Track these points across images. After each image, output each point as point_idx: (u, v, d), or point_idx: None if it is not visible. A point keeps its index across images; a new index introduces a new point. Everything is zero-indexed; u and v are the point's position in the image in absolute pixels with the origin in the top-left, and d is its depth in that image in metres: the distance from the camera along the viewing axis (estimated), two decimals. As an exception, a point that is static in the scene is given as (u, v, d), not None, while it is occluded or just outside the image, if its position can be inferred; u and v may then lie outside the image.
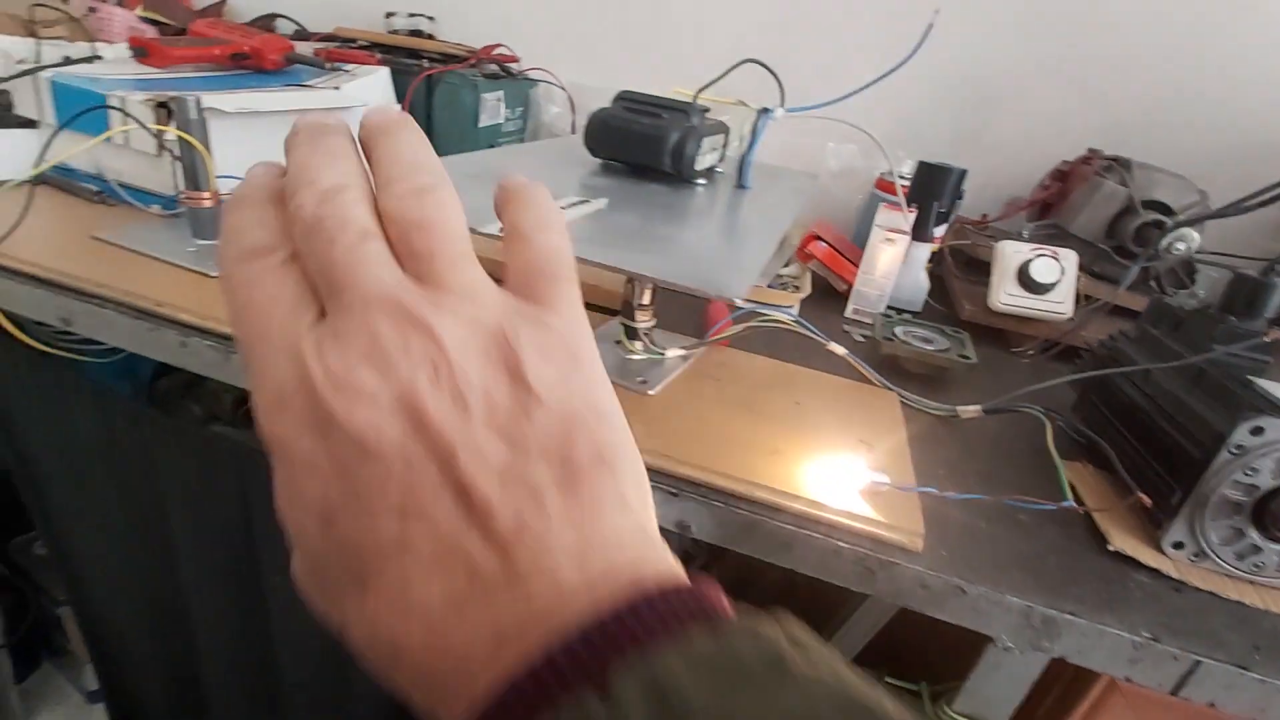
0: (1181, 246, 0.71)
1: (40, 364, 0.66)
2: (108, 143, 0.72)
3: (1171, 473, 0.44)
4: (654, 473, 0.45)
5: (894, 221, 0.75)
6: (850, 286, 0.85)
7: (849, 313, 0.80)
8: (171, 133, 0.61)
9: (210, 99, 0.69)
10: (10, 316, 0.60)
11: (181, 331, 0.53)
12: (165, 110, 0.69)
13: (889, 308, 0.79)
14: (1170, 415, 0.46)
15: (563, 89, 1.09)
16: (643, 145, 0.54)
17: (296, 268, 0.17)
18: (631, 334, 0.57)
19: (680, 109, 0.57)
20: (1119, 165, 0.80)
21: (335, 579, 0.16)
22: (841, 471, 0.46)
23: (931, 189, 0.78)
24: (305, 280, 0.16)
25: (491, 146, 1.05)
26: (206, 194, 0.64)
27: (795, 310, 0.78)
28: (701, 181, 0.62)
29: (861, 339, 0.74)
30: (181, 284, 0.58)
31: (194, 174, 0.63)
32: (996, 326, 0.77)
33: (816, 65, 1.07)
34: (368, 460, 0.15)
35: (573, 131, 1.10)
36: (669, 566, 0.17)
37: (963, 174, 0.78)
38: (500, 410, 0.16)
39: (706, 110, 0.54)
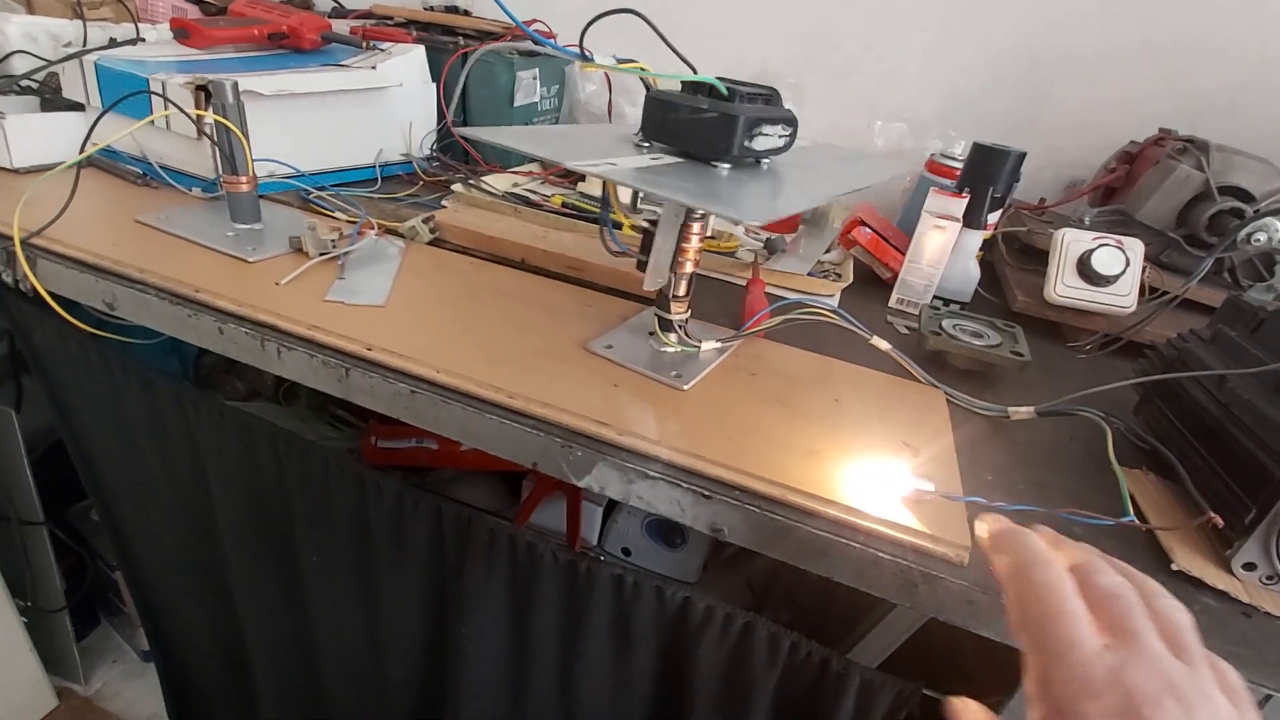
0: (1262, 237, 0.66)
1: (89, 343, 0.67)
2: (151, 126, 0.72)
3: (1246, 489, 0.41)
4: (685, 472, 0.43)
5: (945, 207, 0.71)
6: (895, 275, 0.81)
7: (893, 302, 0.76)
8: (209, 117, 0.61)
9: (248, 81, 0.69)
10: (59, 298, 0.61)
11: (218, 318, 0.53)
12: (204, 93, 0.69)
13: (936, 298, 0.75)
14: (1247, 426, 0.43)
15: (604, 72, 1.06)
16: (691, 131, 0.51)
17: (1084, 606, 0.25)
18: (666, 326, 0.55)
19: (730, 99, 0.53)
20: (1194, 147, 0.74)
21: None
22: (883, 476, 0.44)
23: (986, 173, 0.74)
24: (1097, 622, 0.24)
25: (529, 125, 1.03)
26: (244, 178, 0.64)
27: (836, 300, 0.75)
28: (725, 167, 0.58)
29: (906, 331, 0.71)
30: (221, 269, 0.59)
31: (232, 158, 0.63)
32: (1051, 319, 0.73)
33: (861, 37, 1.03)
34: None
35: (608, 111, 1.08)
36: None
37: (1021, 157, 0.74)
38: None
39: (765, 95, 0.51)
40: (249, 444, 0.64)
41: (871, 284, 0.81)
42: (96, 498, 0.83)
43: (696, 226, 0.51)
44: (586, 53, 0.51)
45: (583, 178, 1.01)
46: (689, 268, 0.53)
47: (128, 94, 0.68)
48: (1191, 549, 0.42)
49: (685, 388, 0.51)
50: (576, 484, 0.46)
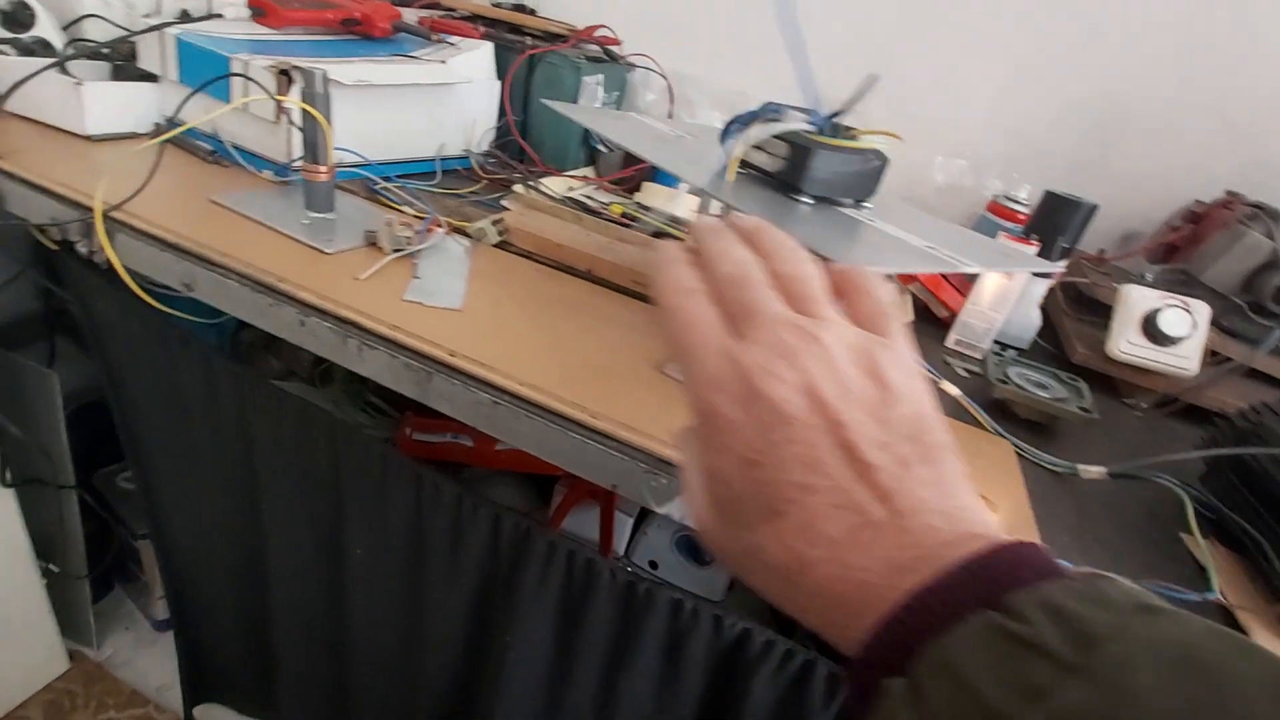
0: (1332, 312, 0.66)
1: (150, 318, 0.67)
2: (225, 103, 0.72)
3: (1332, 575, 0.41)
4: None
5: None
6: (951, 314, 0.82)
7: (950, 342, 0.76)
8: (295, 104, 0.61)
9: (328, 70, 0.68)
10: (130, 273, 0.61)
11: (301, 310, 0.53)
12: (286, 77, 0.69)
13: (995, 342, 0.75)
14: (1334, 511, 0.43)
15: (663, 77, 1.06)
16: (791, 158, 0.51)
17: (716, 303, 0.24)
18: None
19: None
20: (1265, 214, 0.74)
21: (750, 509, 0.22)
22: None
23: (1056, 221, 0.74)
24: (724, 312, 0.24)
25: (588, 131, 1.03)
26: (323, 168, 0.64)
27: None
28: (808, 201, 0.58)
29: (965, 374, 0.71)
30: (298, 259, 0.59)
31: (314, 146, 0.63)
32: (1110, 374, 0.73)
33: (929, 70, 1.03)
34: (780, 423, 0.21)
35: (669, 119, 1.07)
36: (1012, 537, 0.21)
37: (1093, 209, 0.74)
38: (870, 400, 0.22)
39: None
40: (305, 432, 0.64)
41: (925, 320, 0.81)
42: (136, 465, 0.83)
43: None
44: (837, 120, 0.51)
45: (638, 186, 1.01)
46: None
47: (217, 76, 0.68)
48: (1273, 632, 0.42)
49: (764, 420, 0.51)
50: (656, 510, 0.46)
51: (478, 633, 0.66)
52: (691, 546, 0.95)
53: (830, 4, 1.07)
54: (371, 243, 0.64)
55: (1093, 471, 0.54)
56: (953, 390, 0.59)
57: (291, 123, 0.69)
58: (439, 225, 0.70)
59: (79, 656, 1.08)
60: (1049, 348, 0.80)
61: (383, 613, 0.71)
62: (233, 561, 0.83)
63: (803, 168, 0.50)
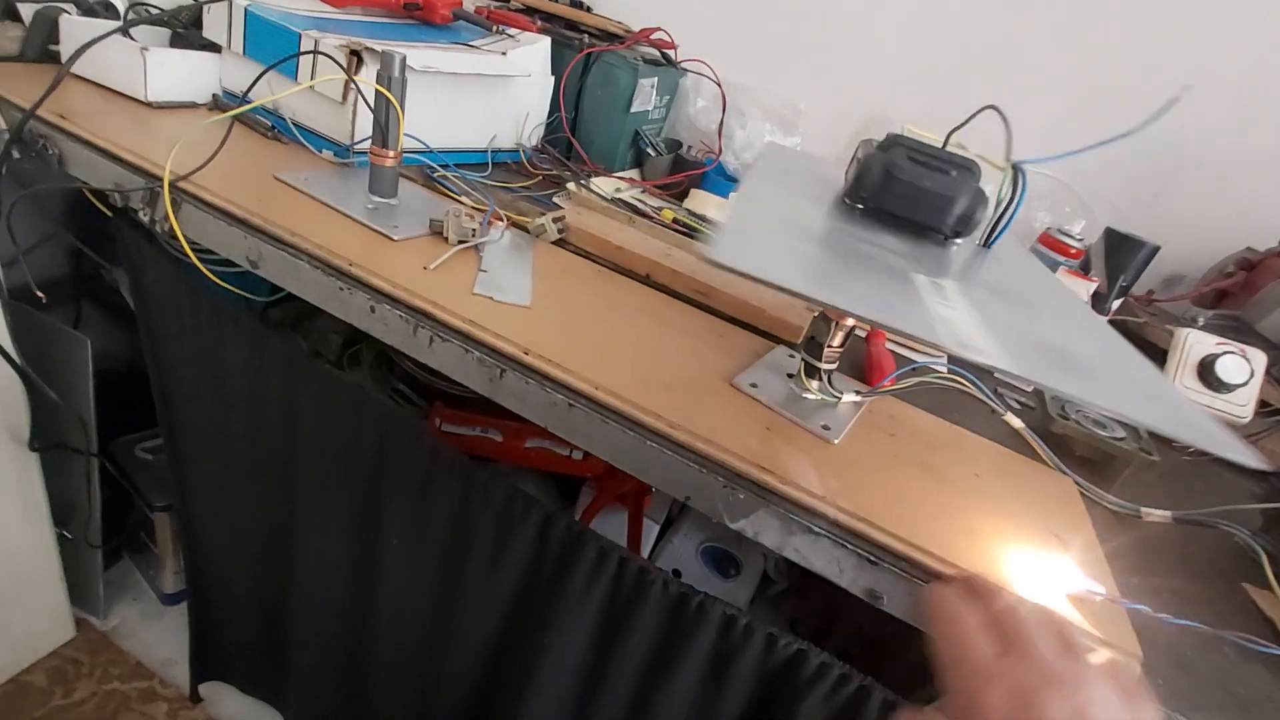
0: (1391, 370, 0.65)
1: (201, 290, 0.66)
2: (291, 81, 0.71)
3: None
4: (851, 534, 0.43)
5: (1073, 289, 0.71)
6: (1000, 344, 0.81)
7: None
8: (370, 86, 0.60)
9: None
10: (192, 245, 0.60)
11: (373, 296, 0.52)
12: (357, 58, 0.68)
13: (1045, 376, 0.75)
14: None
15: (718, 85, 1.06)
16: (929, 204, 0.50)
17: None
18: (811, 372, 0.55)
19: (966, 166, 0.53)
20: (1323, 266, 0.74)
21: None
22: (1047, 569, 0.43)
23: (1117, 260, 0.74)
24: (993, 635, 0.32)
25: (637, 133, 1.03)
26: (392, 153, 0.63)
27: (944, 361, 0.75)
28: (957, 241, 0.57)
29: (1017, 406, 0.71)
30: (367, 244, 0.58)
31: (385, 131, 0.62)
32: (1159, 416, 0.73)
33: (984, 95, 1.02)
34: None
35: (719, 129, 1.07)
36: None
37: (1154, 250, 0.74)
38: None
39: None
40: (356, 419, 0.63)
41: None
42: (168, 436, 0.82)
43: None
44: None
45: (686, 192, 1.00)
46: (851, 320, 0.52)
47: (290, 55, 0.67)
48: (1349, 691, 0.41)
49: (835, 441, 0.50)
50: (729, 525, 0.45)
51: (512, 633, 0.65)
52: (716, 557, 0.95)
53: (898, 32, 1.07)
54: (436, 232, 0.63)
55: (1156, 515, 0.54)
56: (1016, 423, 0.59)
57: (365, 103, 0.68)
58: (499, 219, 0.70)
59: (85, 625, 1.07)
60: (1095, 384, 0.80)
61: (412, 606, 0.71)
62: (257, 540, 0.82)
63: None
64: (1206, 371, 0.69)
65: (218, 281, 0.60)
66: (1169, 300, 0.87)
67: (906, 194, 0.50)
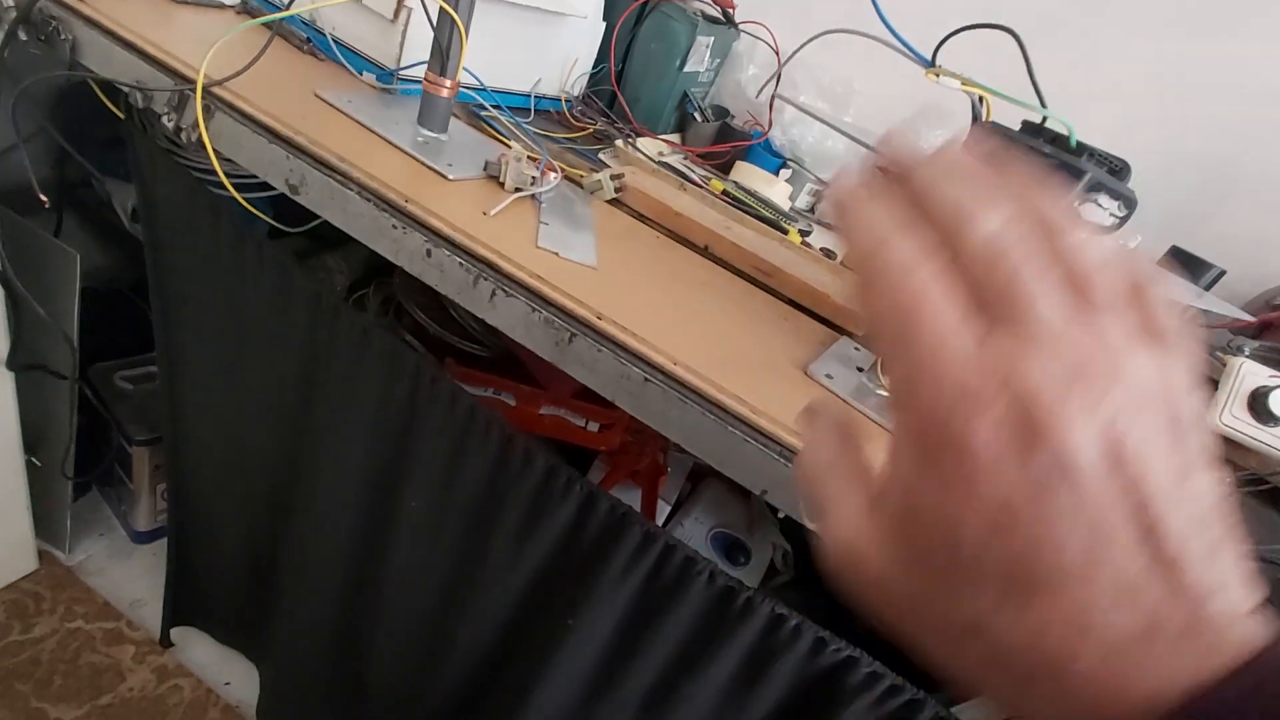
0: None
1: (223, 213, 0.60)
2: (338, -9, 0.65)
3: None
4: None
5: (1136, 307, 0.69)
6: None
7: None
8: (438, 4, 0.54)
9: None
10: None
11: (430, 239, 0.47)
12: (413, -27, 0.62)
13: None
14: None
15: (776, 53, 1.00)
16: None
17: (951, 283, 0.17)
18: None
19: (1075, 153, 0.49)
20: (1377, 309, 0.74)
21: (986, 577, 0.17)
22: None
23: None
24: (964, 295, 0.17)
25: (686, 94, 0.97)
26: (449, 82, 0.58)
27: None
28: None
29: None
30: (418, 180, 0.52)
31: (445, 56, 0.56)
32: (1200, 444, 0.72)
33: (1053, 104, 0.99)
34: (1066, 481, 0.15)
35: (770, 101, 1.02)
36: None
37: (1220, 274, 0.72)
38: (1174, 468, 0.16)
39: (1115, 165, 0.47)
40: (388, 372, 0.58)
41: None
42: (165, 364, 0.76)
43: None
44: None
45: (731, 164, 0.96)
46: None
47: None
48: None
49: (916, 444, 0.47)
50: (809, 525, 0.42)
51: (533, 610, 0.62)
52: (727, 544, 0.92)
53: (963, 17, 1.02)
54: (492, 176, 0.58)
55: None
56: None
57: (428, 20, 0.62)
58: (552, 169, 0.64)
59: (49, 559, 1.01)
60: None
61: (423, 572, 0.67)
62: (256, 485, 0.77)
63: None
64: (1258, 403, 0.67)
65: (249, 207, 0.54)
66: (1209, 326, 0.86)
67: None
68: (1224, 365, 0.72)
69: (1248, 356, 0.77)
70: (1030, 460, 0.15)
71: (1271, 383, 0.68)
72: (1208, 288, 0.71)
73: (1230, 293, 0.93)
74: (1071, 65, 0.98)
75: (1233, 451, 0.71)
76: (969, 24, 0.50)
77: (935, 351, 0.17)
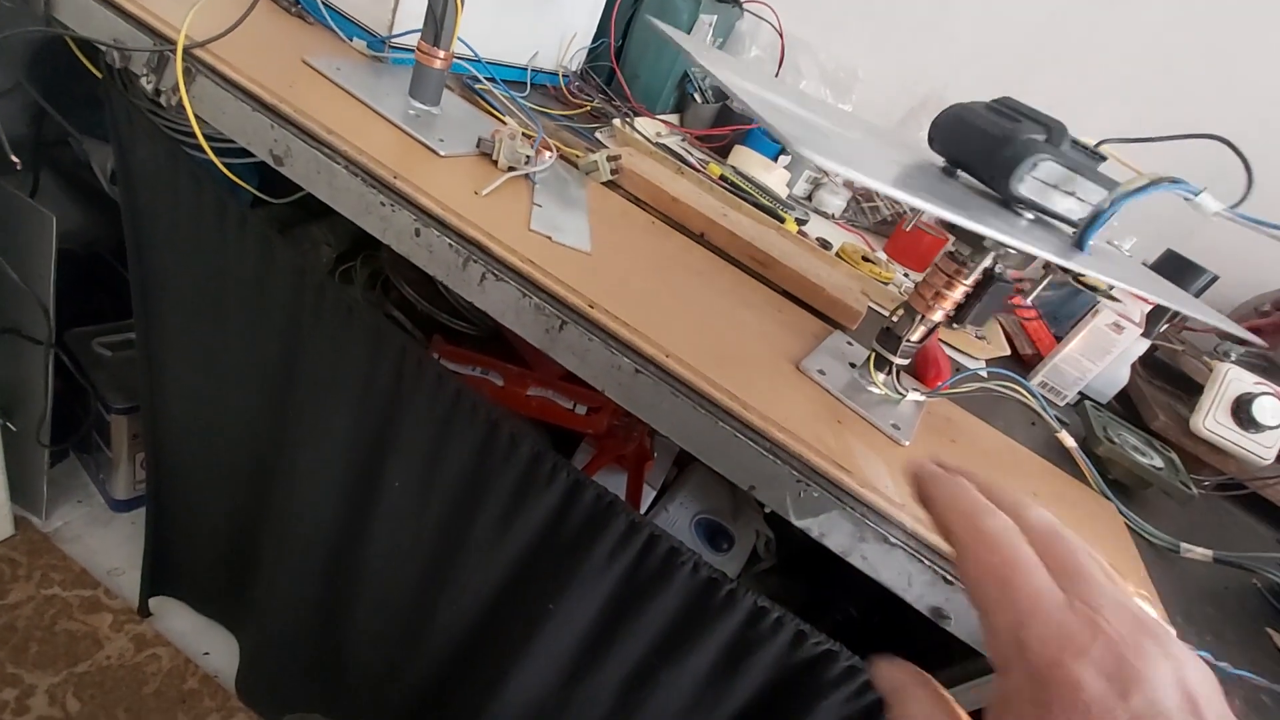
0: None
1: (205, 182, 0.58)
2: (326, -50, 0.62)
3: None
4: (927, 548, 0.40)
5: (1128, 309, 0.69)
6: (1034, 353, 0.80)
7: (1034, 383, 0.74)
8: (432, -30, 0.52)
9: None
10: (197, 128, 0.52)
11: (419, 217, 0.46)
12: (408, -64, 0.59)
13: (1079, 393, 0.73)
14: None
15: (779, 34, 0.98)
16: (974, 143, 0.45)
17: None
18: (881, 364, 0.51)
19: (1045, 124, 0.47)
20: (1363, 319, 0.74)
21: None
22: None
23: (1174, 283, 0.72)
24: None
25: (686, 74, 0.95)
26: (443, 53, 0.56)
27: (983, 365, 0.73)
28: (1029, 216, 0.52)
29: (1054, 419, 0.69)
30: (408, 155, 0.51)
31: (440, 25, 0.54)
32: (1183, 446, 0.72)
33: (1047, 94, 0.98)
34: (1160, 716, 0.18)
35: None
36: None
37: (1213, 280, 0.72)
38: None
39: (1093, 152, 0.46)
40: (373, 350, 0.57)
41: (1007, 355, 0.79)
42: (144, 332, 0.73)
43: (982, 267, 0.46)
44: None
45: (730, 148, 0.94)
46: (940, 315, 0.49)
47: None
48: (1383, 754, 0.42)
49: (905, 443, 0.47)
50: (794, 523, 0.42)
51: (514, 594, 0.62)
52: (711, 530, 0.93)
53: (971, 9, 1.00)
54: (485, 153, 0.56)
55: (1196, 552, 0.53)
56: (1069, 442, 0.57)
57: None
58: (548, 148, 0.63)
59: (25, 525, 0.99)
60: (1118, 407, 0.79)
61: (405, 551, 0.66)
62: (237, 457, 0.76)
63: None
64: (1241, 409, 0.68)
65: (230, 176, 0.53)
66: (1196, 330, 0.87)
67: (960, 131, 0.45)
68: (1210, 370, 0.72)
69: (1234, 362, 0.78)
70: (1128, 702, 0.19)
71: (1256, 390, 0.69)
72: (1199, 292, 0.71)
73: (1222, 298, 0.93)
74: (1080, 61, 0.97)
75: (1214, 456, 0.71)
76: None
77: (1036, 601, 0.20)
